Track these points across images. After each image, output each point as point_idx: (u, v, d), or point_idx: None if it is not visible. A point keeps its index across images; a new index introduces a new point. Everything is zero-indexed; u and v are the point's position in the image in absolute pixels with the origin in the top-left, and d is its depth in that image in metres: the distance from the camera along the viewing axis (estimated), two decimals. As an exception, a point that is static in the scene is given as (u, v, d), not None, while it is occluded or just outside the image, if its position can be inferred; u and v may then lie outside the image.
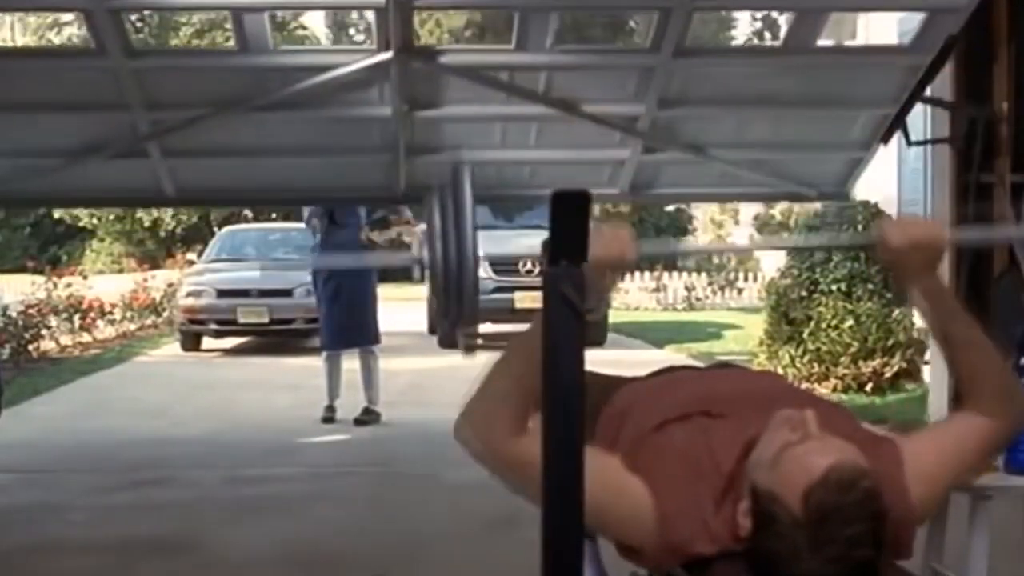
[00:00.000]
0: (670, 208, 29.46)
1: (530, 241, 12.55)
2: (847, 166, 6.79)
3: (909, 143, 6.33)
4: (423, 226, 9.88)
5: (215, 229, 21.16)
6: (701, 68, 6.04)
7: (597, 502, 1.88)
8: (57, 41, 29.51)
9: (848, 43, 11.75)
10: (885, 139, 6.22)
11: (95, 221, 33.64)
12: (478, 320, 2.01)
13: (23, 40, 30.14)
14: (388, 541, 5.28)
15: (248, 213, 22.10)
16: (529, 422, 2.02)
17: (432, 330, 14.84)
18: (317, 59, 6.33)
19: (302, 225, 9.15)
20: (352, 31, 34.74)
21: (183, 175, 6.66)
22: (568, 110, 6.08)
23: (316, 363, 8.89)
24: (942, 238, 2.18)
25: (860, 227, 9.31)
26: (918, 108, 8.11)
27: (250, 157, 6.46)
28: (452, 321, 1.92)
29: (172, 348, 14.29)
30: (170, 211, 32.79)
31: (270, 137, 6.33)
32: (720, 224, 34.68)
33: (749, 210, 32.85)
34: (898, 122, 6.02)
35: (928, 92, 5.90)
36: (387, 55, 5.62)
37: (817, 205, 9.68)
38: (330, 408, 8.43)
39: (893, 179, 9.15)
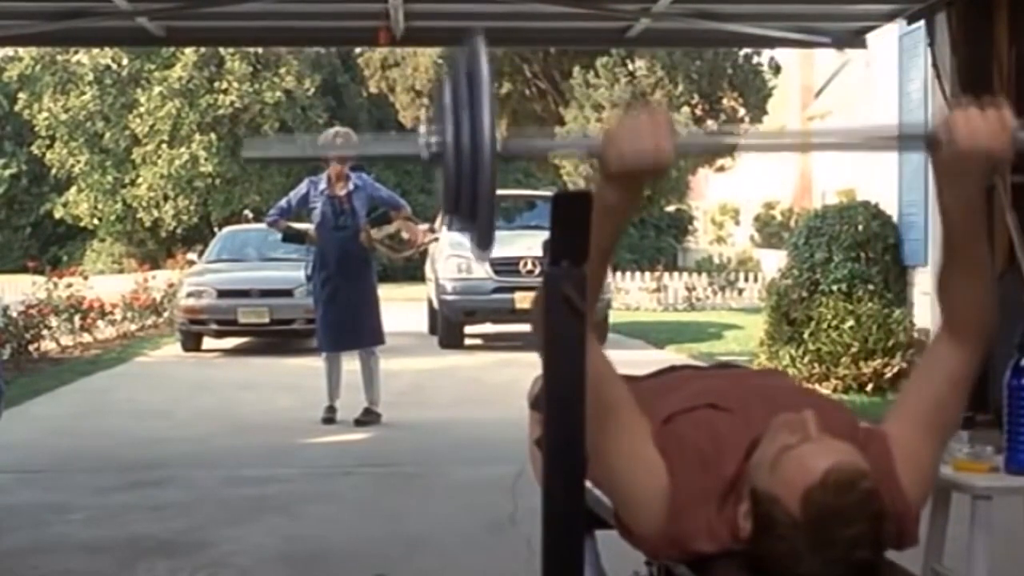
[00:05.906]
0: (670, 208, 29.40)
1: (530, 241, 12.55)
2: (863, 30, 6.95)
3: None
4: (425, 225, 9.74)
5: (215, 229, 21.14)
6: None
7: (614, 451, 1.88)
8: None
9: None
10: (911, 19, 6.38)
11: (96, 222, 33.61)
12: (493, 217, 1.72)
13: None
14: (388, 541, 5.27)
15: (248, 214, 22.07)
16: None
17: (432, 330, 14.81)
18: None
19: (302, 226, 9.08)
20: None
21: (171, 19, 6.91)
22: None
23: (316, 363, 8.87)
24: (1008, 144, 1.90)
25: (860, 228, 9.30)
26: (918, 107, 8.14)
27: None
28: (464, 215, 1.71)
29: (172, 348, 14.28)
30: (171, 211, 32.78)
31: None
32: (721, 224, 34.70)
33: (750, 211, 32.86)
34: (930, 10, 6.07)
35: (929, 88, 5.88)
36: None
37: (817, 206, 9.65)
38: (330, 409, 8.40)
39: (894, 179, 9.14)
